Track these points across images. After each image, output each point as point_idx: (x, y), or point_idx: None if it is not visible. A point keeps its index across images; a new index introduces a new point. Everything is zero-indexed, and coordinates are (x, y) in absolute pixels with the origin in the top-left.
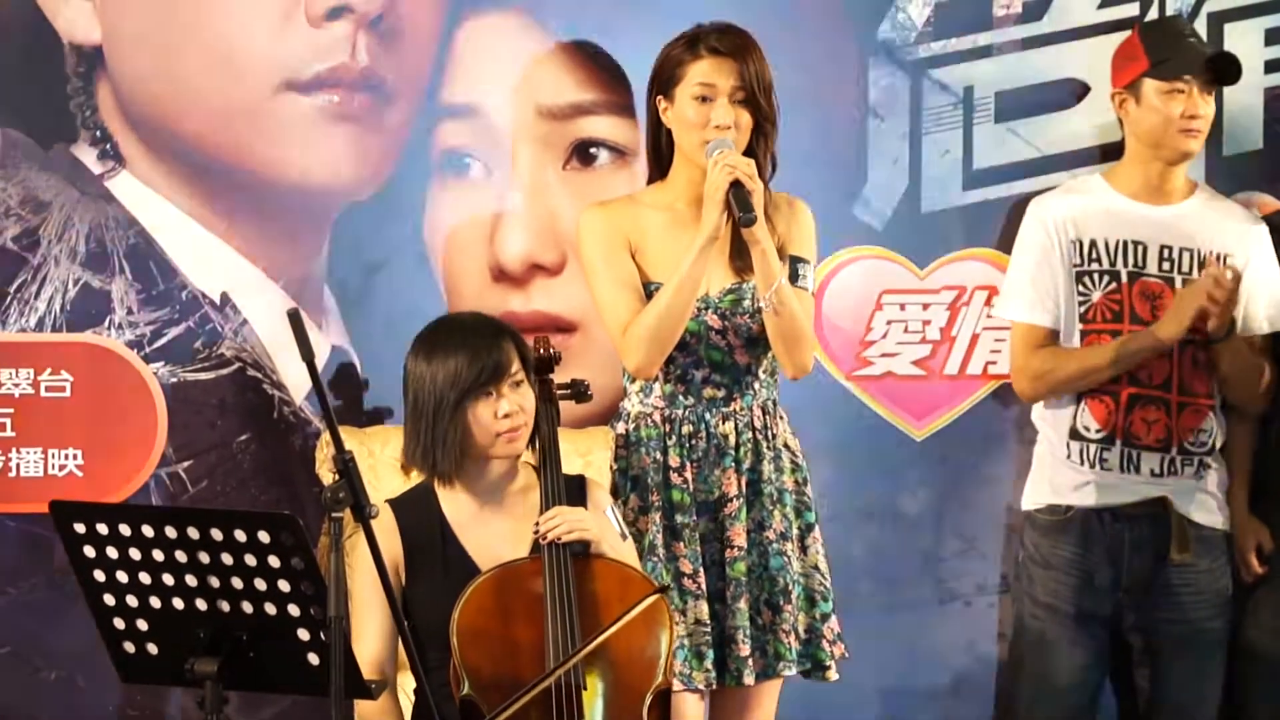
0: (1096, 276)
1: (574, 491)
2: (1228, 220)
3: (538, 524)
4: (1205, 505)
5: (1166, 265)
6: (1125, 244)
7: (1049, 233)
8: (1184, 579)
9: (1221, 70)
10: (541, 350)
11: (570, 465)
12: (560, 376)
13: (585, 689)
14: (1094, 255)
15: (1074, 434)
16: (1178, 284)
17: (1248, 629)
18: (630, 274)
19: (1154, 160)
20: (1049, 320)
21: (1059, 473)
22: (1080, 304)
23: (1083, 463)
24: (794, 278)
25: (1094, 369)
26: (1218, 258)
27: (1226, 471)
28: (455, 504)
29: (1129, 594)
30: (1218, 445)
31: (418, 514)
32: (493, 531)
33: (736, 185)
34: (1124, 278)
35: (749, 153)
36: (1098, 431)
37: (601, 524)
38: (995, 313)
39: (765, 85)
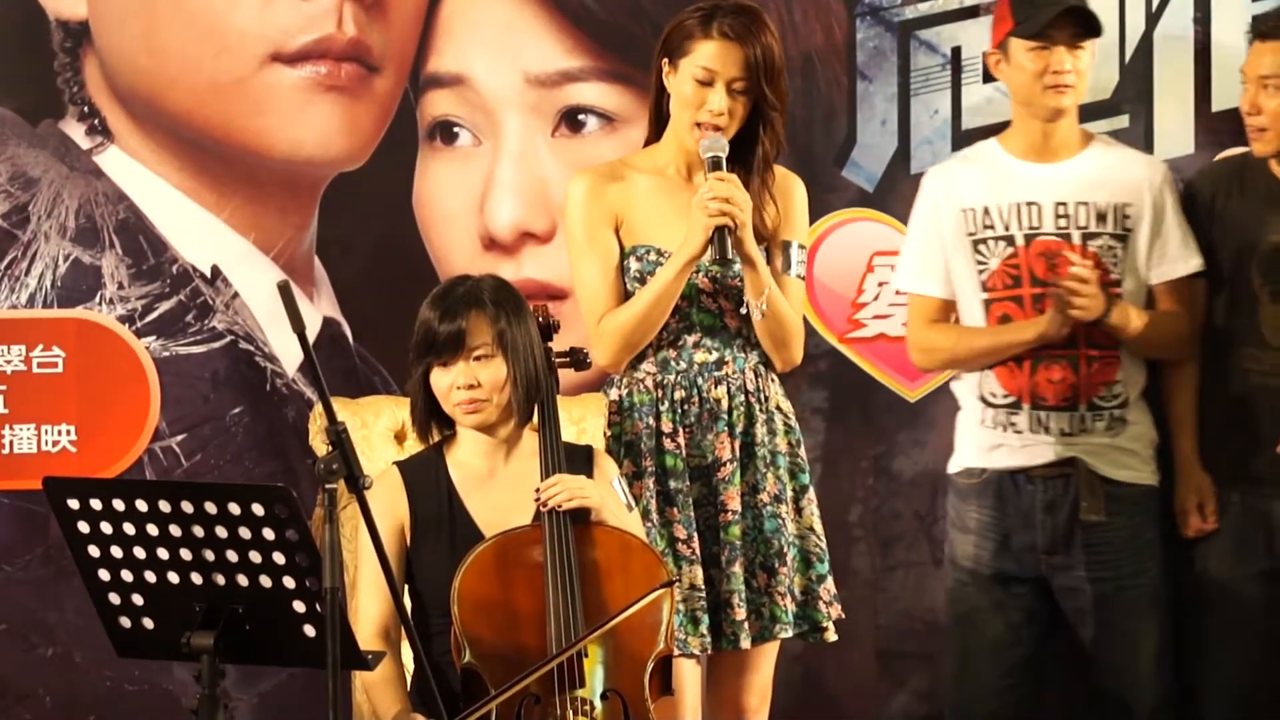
0: (993, 243)
1: (580, 461)
2: (1126, 169)
3: (538, 490)
4: (1122, 462)
5: (1063, 221)
6: (1019, 206)
7: (935, 203)
8: (1102, 537)
9: (1084, 24)
10: (540, 318)
11: (564, 432)
12: (559, 344)
13: (587, 656)
14: (988, 221)
15: (982, 399)
16: (1075, 239)
17: (1203, 586)
18: (610, 259)
19: (1031, 119)
20: (938, 290)
21: (973, 436)
22: (980, 272)
23: (994, 426)
24: (787, 264)
25: (979, 353)
26: (1116, 209)
27: (1156, 424)
28: (462, 468)
29: (1049, 555)
30: (1132, 398)
31: (425, 477)
32: (498, 497)
33: (723, 228)
34: (1020, 240)
35: (745, 134)
36: (1005, 396)
37: (604, 492)
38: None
39: (773, 70)
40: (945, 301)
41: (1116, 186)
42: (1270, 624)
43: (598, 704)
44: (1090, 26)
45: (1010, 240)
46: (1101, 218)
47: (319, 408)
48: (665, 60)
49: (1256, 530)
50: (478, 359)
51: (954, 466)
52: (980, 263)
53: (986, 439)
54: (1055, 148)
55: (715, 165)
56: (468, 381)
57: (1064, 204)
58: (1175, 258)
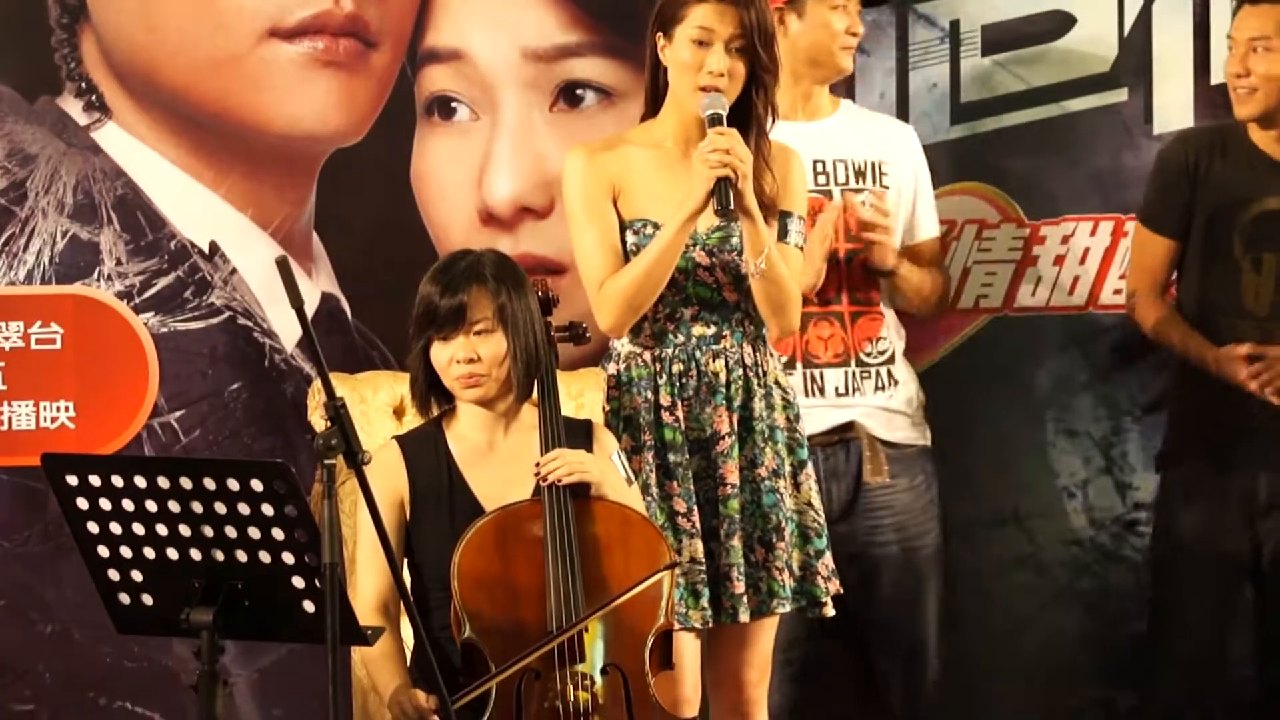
0: None
1: (580, 436)
2: (877, 129)
3: (538, 465)
4: (894, 424)
5: (822, 179)
6: None
7: None
8: (884, 500)
9: None
10: (539, 293)
11: (563, 407)
12: (557, 319)
13: (587, 631)
14: None
15: None
16: (835, 195)
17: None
18: (611, 227)
19: (807, 78)
20: None
21: None
22: None
23: None
24: (783, 233)
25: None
26: (873, 166)
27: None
28: (461, 442)
29: (835, 523)
30: (897, 357)
31: (425, 450)
32: (498, 471)
33: (725, 179)
34: None
35: (743, 101)
36: (781, 357)
37: (604, 467)
38: None
39: (766, 34)
40: None
41: (872, 145)
42: (1238, 602)
43: (598, 678)
44: None
45: None
46: (860, 174)
47: (318, 383)
48: (659, 34)
49: (1240, 504)
50: (478, 333)
51: None
52: None
53: None
54: (813, 108)
55: (715, 121)
56: (467, 355)
57: (822, 160)
58: (927, 219)
